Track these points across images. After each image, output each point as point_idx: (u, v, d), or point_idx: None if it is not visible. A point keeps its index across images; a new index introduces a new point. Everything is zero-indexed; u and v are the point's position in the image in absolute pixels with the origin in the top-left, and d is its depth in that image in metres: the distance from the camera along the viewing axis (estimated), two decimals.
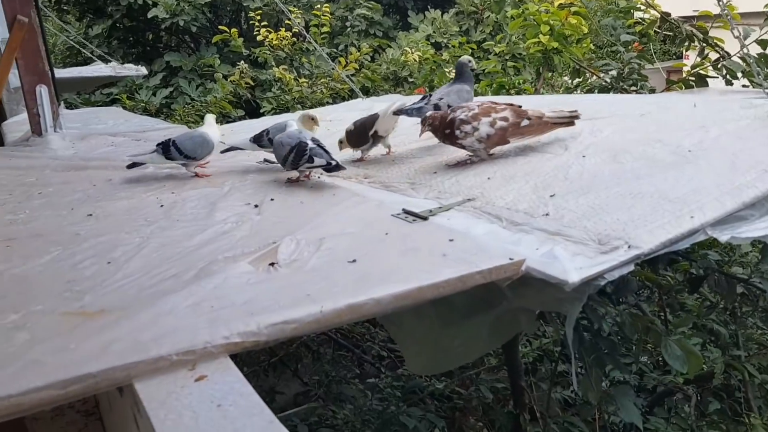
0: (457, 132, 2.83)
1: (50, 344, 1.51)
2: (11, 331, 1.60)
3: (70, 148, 4.18)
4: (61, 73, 7.36)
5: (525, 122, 2.80)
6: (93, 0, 13.51)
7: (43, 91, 4.46)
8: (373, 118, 3.23)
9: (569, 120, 2.89)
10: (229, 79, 9.13)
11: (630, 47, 5.43)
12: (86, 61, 11.20)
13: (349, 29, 13.53)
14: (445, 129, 2.87)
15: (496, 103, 2.90)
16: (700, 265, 3.30)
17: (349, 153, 3.34)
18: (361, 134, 3.26)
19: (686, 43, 5.35)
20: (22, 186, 3.25)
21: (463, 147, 2.87)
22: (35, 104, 4.44)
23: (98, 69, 8.96)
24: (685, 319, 3.45)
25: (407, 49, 9.17)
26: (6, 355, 1.48)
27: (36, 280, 1.98)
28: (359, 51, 8.91)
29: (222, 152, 3.44)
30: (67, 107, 7.49)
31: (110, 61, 9.94)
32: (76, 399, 1.39)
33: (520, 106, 2.88)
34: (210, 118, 3.42)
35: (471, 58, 3.60)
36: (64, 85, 7.91)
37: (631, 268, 1.87)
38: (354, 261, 1.89)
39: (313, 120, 3.07)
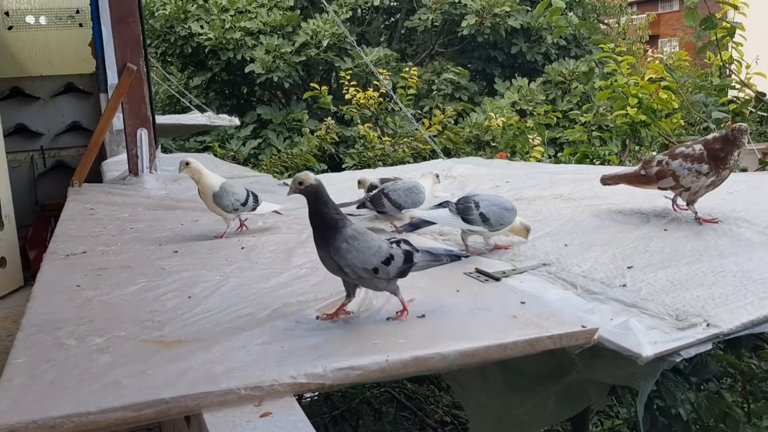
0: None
1: (129, 368, 1.59)
2: (95, 353, 1.70)
3: (163, 188, 4.40)
4: (160, 119, 7.81)
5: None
6: (195, 54, 14.37)
7: (143, 135, 4.74)
8: None
9: None
10: (315, 134, 9.44)
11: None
12: (184, 110, 11.84)
13: (434, 92, 13.81)
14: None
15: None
16: None
17: None
18: None
19: None
20: (116, 221, 3.45)
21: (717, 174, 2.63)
22: (135, 146, 4.71)
23: (194, 117, 9.43)
24: (765, 407, 3.24)
25: (491, 114, 9.27)
26: (89, 374, 1.56)
27: (121, 307, 2.08)
28: (443, 113, 9.07)
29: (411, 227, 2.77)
30: (162, 151, 7.90)
31: (206, 111, 10.46)
32: (147, 423, 1.45)
33: None
34: None
35: None
36: (162, 131, 8.36)
37: (709, 347, 1.81)
38: (423, 316, 1.90)
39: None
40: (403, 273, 1.91)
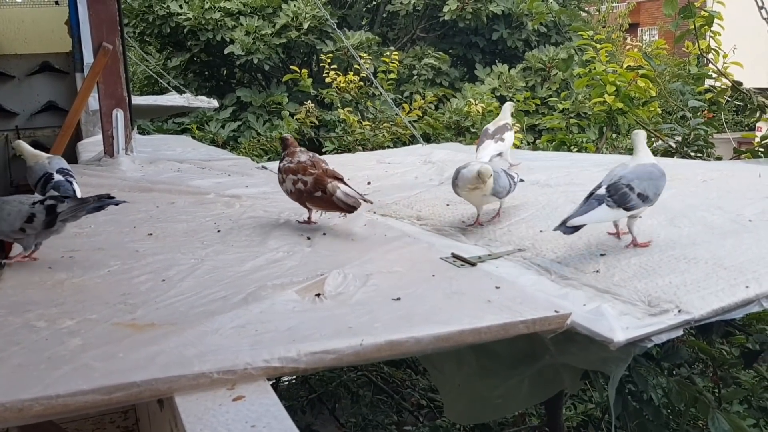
0: (278, 176, 2.88)
1: (100, 351, 1.58)
2: (66, 336, 1.68)
3: (139, 170, 4.35)
4: (137, 99, 7.70)
5: (318, 194, 2.70)
6: (174, 34, 14.14)
7: (119, 115, 4.68)
8: None
9: (348, 207, 2.68)
10: (295, 117, 9.38)
11: (699, 113, 5.35)
12: (162, 91, 11.70)
13: (415, 77, 13.77)
14: None
15: (317, 164, 2.78)
16: (756, 340, 3.17)
17: None
18: None
19: (757, 114, 5.25)
20: None
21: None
22: (111, 127, 4.64)
23: (173, 99, 9.32)
24: (734, 392, 3.30)
25: (471, 100, 9.27)
26: (59, 357, 1.55)
27: (93, 290, 2.06)
28: (424, 99, 9.05)
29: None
30: (139, 132, 7.80)
31: (185, 92, 10.34)
32: (119, 406, 1.44)
33: (342, 179, 2.75)
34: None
35: None
36: (140, 112, 8.25)
37: (680, 333, 1.83)
38: (398, 299, 1.91)
39: None
40: (50, 224, 2.25)
